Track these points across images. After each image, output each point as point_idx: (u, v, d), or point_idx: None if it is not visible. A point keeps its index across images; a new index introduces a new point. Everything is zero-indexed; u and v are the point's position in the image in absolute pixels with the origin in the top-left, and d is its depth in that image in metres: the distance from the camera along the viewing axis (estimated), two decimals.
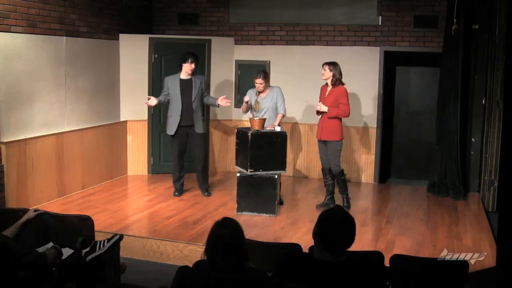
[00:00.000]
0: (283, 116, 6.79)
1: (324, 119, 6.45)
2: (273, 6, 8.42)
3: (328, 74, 6.38)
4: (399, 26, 7.89)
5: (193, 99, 6.86)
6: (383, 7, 7.93)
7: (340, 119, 6.43)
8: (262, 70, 6.98)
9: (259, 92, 6.75)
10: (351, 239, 2.85)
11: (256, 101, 6.75)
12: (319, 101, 6.50)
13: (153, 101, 6.91)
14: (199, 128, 6.92)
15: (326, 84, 6.50)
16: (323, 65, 6.46)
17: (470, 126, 7.59)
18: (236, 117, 8.67)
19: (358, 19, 8.05)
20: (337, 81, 6.37)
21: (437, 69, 7.67)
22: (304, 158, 8.46)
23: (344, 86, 6.40)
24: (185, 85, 6.87)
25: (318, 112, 6.51)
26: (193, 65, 6.82)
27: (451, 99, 7.29)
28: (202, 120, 6.98)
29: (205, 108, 7.37)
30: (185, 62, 6.81)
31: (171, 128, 6.91)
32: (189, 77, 6.89)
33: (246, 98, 6.76)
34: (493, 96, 6.89)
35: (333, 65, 6.39)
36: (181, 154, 7.03)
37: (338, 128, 6.42)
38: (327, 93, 6.46)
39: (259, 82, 6.67)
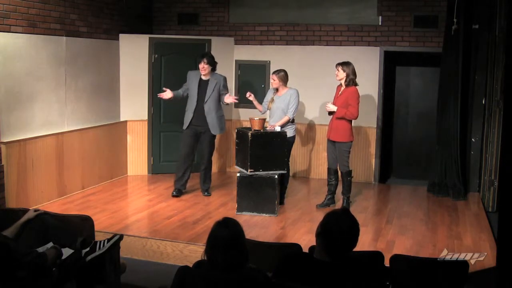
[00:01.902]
0: (289, 120, 6.63)
1: (333, 119, 6.42)
2: (273, 6, 8.42)
3: (342, 74, 6.33)
4: (399, 26, 7.89)
5: (205, 100, 6.83)
6: (383, 7, 7.93)
7: (350, 121, 6.41)
8: (282, 69, 6.84)
9: (276, 91, 6.75)
10: (353, 244, 2.83)
11: (272, 99, 6.76)
12: (333, 101, 6.47)
13: (168, 94, 6.91)
14: (214, 129, 6.88)
15: (341, 84, 6.48)
16: (336, 66, 6.40)
17: (470, 126, 7.58)
18: (236, 117, 8.68)
19: (358, 19, 8.05)
20: (351, 81, 6.32)
21: (437, 69, 7.66)
22: (305, 158, 8.46)
23: (356, 87, 6.36)
24: (203, 85, 6.87)
25: (330, 112, 6.48)
26: (203, 65, 6.78)
27: (451, 99, 7.29)
28: (218, 121, 6.90)
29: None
30: (199, 63, 6.83)
31: (185, 122, 6.92)
32: (207, 77, 6.87)
33: (247, 94, 6.81)
34: (493, 96, 6.89)
35: (346, 65, 6.33)
36: (188, 153, 6.97)
37: (347, 129, 6.38)
38: (339, 92, 6.44)
39: (272, 78, 6.70)
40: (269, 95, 6.88)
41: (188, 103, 6.96)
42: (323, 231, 2.82)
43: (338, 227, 2.78)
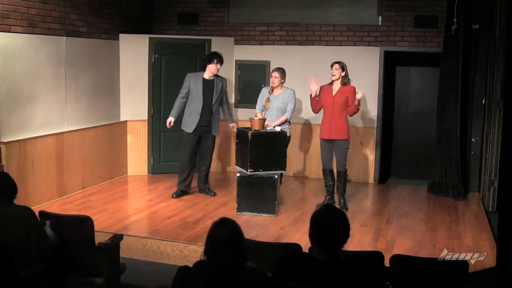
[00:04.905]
0: (286, 120, 6.67)
1: (332, 118, 6.40)
2: (273, 6, 8.42)
3: (339, 73, 6.34)
4: (399, 26, 7.89)
5: (213, 101, 6.82)
6: (383, 7, 7.93)
7: (347, 119, 6.43)
8: (281, 67, 6.86)
9: (272, 91, 6.74)
10: (344, 237, 2.83)
11: (268, 99, 6.74)
12: (325, 99, 6.46)
13: (172, 121, 6.89)
14: (215, 130, 6.90)
15: (330, 83, 6.46)
16: (333, 64, 6.39)
17: (470, 126, 7.59)
18: (236, 117, 8.67)
19: (358, 19, 8.05)
20: (349, 80, 6.37)
21: (437, 69, 7.66)
22: (304, 158, 8.46)
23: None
24: (208, 86, 6.82)
25: (325, 112, 6.45)
26: (218, 66, 6.77)
27: (451, 99, 7.29)
28: (218, 123, 6.95)
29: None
30: (210, 63, 6.75)
31: (190, 125, 6.81)
32: (212, 78, 6.84)
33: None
34: (493, 96, 6.89)
35: (342, 63, 6.38)
36: (193, 153, 6.96)
37: (347, 127, 6.42)
38: (334, 92, 6.41)
39: (275, 75, 6.66)
40: (264, 94, 6.85)
41: (192, 106, 6.83)
42: (314, 231, 2.83)
43: (327, 222, 2.80)
